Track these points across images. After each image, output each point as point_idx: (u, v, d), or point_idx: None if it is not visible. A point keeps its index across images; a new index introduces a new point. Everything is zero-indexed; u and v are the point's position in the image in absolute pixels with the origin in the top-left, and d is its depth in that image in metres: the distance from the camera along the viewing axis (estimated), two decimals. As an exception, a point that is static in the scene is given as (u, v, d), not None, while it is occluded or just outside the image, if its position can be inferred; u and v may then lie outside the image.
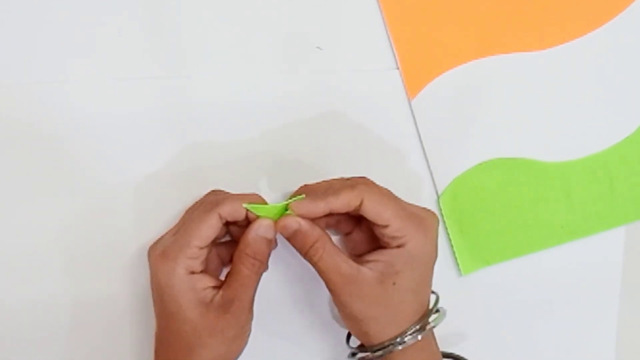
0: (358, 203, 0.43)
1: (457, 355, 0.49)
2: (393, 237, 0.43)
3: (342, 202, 0.43)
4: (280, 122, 0.49)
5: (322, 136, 0.50)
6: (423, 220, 0.44)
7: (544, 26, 0.51)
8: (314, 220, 0.44)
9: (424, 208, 0.45)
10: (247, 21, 0.48)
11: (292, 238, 0.44)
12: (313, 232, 0.43)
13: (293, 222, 0.43)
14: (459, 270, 0.52)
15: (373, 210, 0.43)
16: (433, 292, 0.47)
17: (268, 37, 0.48)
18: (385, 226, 0.43)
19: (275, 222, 0.43)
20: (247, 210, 0.43)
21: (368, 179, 0.45)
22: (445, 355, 0.48)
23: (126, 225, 0.48)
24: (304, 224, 0.43)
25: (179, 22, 0.48)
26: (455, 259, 0.52)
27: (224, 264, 0.47)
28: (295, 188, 0.47)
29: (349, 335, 0.49)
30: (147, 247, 0.44)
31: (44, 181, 0.47)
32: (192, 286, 0.42)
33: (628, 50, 0.52)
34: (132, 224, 0.48)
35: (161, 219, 0.47)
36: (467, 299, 0.51)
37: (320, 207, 0.43)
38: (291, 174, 0.49)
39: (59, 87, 0.47)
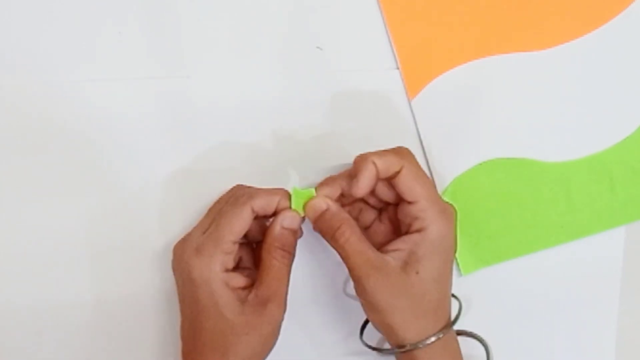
0: (398, 168, 0.43)
1: (471, 332, 0.49)
2: (416, 218, 0.43)
3: (385, 163, 0.42)
4: (280, 122, 0.49)
5: (322, 136, 0.50)
6: (446, 208, 0.44)
7: (544, 26, 0.51)
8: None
9: (446, 201, 0.45)
10: (248, 21, 0.48)
11: (319, 220, 0.43)
12: (341, 213, 0.43)
13: (321, 203, 0.43)
14: (459, 270, 0.52)
15: (408, 183, 0.43)
16: (455, 297, 0.47)
17: (268, 37, 0.49)
18: (413, 203, 0.43)
19: (303, 206, 0.43)
20: (291, 195, 0.43)
21: (410, 151, 0.45)
22: (458, 332, 0.47)
23: (131, 224, 0.48)
24: (332, 205, 0.43)
25: (179, 22, 0.48)
26: (455, 258, 0.52)
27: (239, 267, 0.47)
28: (296, 188, 0.46)
29: (362, 328, 0.49)
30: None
31: (47, 180, 0.47)
32: (227, 283, 0.42)
33: (628, 50, 0.52)
34: (138, 222, 0.48)
35: (167, 217, 0.47)
36: (467, 299, 0.51)
37: (364, 171, 0.42)
38: (291, 174, 0.49)
39: (58, 88, 0.47)
